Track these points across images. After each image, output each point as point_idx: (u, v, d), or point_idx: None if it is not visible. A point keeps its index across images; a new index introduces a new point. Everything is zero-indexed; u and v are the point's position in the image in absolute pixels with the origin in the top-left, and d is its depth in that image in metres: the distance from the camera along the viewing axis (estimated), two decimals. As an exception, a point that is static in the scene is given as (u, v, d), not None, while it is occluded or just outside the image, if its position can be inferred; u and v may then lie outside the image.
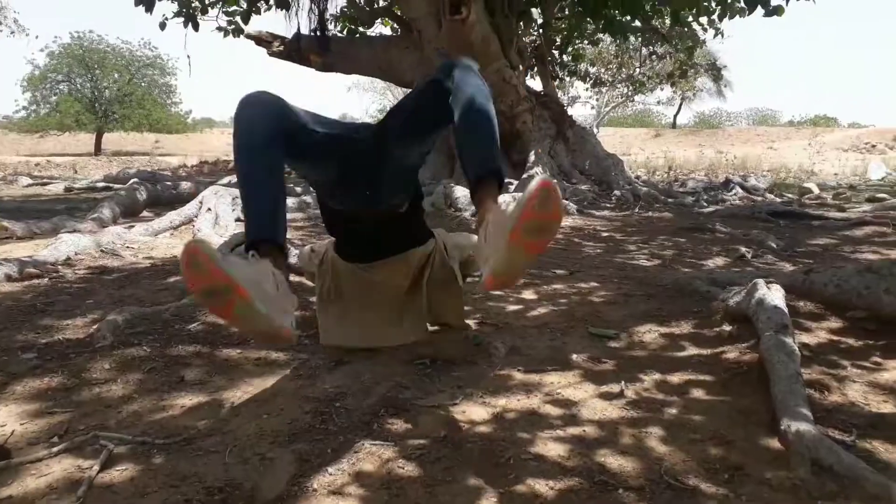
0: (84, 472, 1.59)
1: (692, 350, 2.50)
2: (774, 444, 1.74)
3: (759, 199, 9.17)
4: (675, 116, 45.03)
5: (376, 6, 10.96)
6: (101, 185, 9.94)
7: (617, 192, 8.56)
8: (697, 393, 2.10)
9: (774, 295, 2.54)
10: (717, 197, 9.28)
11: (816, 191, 10.15)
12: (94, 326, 2.67)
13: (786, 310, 2.44)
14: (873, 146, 26.33)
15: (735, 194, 9.49)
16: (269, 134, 1.87)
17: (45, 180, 11.55)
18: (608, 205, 8.04)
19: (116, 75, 33.57)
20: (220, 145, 35.72)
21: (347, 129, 2.16)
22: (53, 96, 32.87)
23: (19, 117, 33.36)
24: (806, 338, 2.51)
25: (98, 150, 31.29)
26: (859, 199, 9.18)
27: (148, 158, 23.67)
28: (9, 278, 3.49)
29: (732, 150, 23.76)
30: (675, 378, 2.23)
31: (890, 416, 1.90)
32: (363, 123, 2.26)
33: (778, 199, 9.01)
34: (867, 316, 2.58)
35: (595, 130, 25.62)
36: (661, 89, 27.03)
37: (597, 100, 30.20)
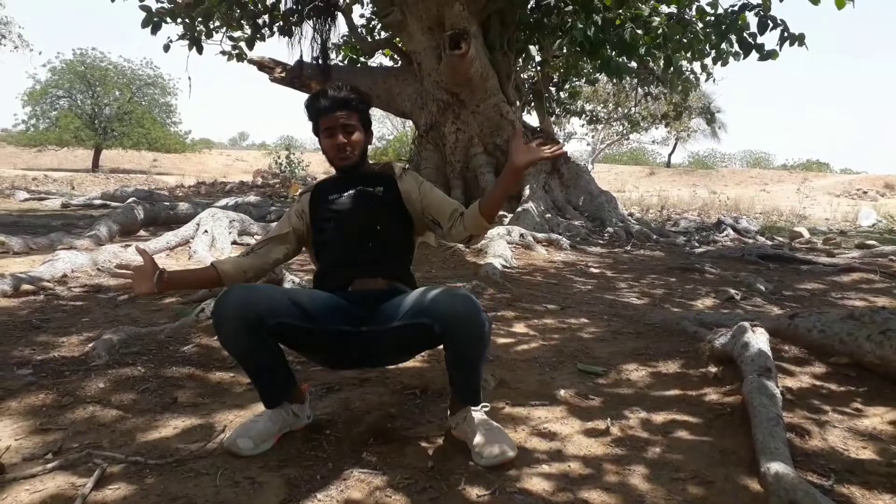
0: (77, 490, 1.62)
1: (677, 390, 2.55)
2: (754, 485, 1.78)
3: (751, 241, 9.27)
4: (670, 156, 45.50)
5: (378, 38, 11.14)
6: (98, 202, 9.98)
7: (610, 229, 8.65)
8: (681, 432, 2.15)
9: (759, 338, 2.60)
10: (709, 237, 9.38)
11: (807, 235, 10.25)
12: (90, 345, 2.71)
13: (770, 353, 2.50)
14: (864, 192, 26.64)
15: (726, 235, 9.59)
16: (247, 334, 1.85)
17: (42, 195, 11.58)
18: (601, 241, 8.12)
19: (117, 93, 33.78)
20: (218, 166, 35.87)
21: (333, 318, 2.02)
22: (53, 111, 33.02)
23: (18, 131, 33.44)
24: (789, 381, 2.56)
25: (95, 166, 31.36)
26: (849, 245, 9.28)
27: (145, 177, 23.74)
28: (4, 294, 3.52)
29: (726, 191, 24.00)
30: (660, 417, 2.27)
31: (868, 461, 1.95)
32: (350, 309, 2.07)
33: (769, 242, 9.11)
34: (849, 362, 2.63)
35: (590, 167, 25.85)
36: (657, 128, 27.42)
37: (592, 136, 30.54)
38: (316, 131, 2.27)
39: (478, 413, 2.00)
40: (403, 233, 2.30)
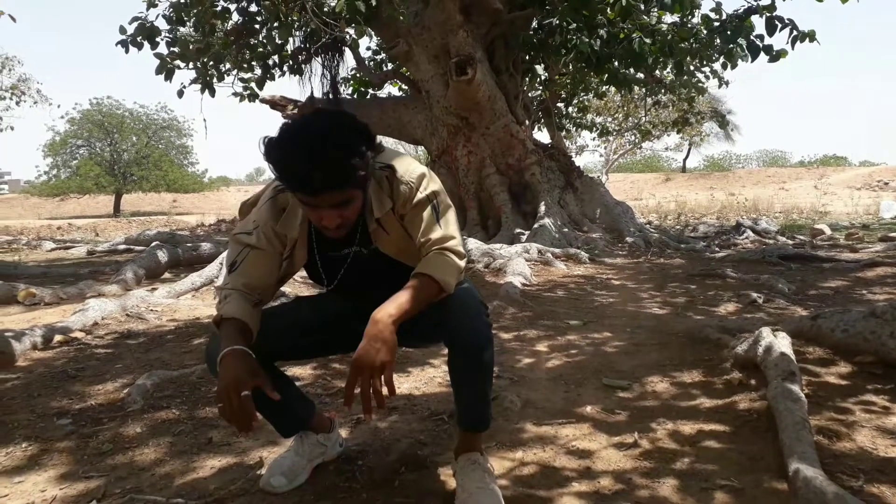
0: (123, 534, 1.68)
1: (703, 399, 2.57)
2: (784, 489, 1.79)
3: (771, 241, 9.23)
4: (685, 160, 45.38)
5: (385, 69, 11.32)
6: (122, 247, 10.14)
7: (629, 240, 8.65)
8: (708, 441, 2.16)
9: (781, 342, 2.61)
10: (729, 241, 9.35)
11: (828, 232, 10.18)
12: (125, 391, 2.78)
13: (793, 357, 2.51)
14: (886, 183, 26.36)
15: (746, 238, 9.55)
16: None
17: (67, 244, 11.79)
18: (620, 252, 8.12)
19: (134, 138, 34.52)
20: (237, 203, 36.17)
21: (328, 320, 1.90)
22: (74, 160, 33.79)
23: (41, 182, 34.21)
24: (815, 383, 2.56)
25: (117, 211, 31.92)
26: (872, 239, 9.21)
27: (166, 218, 24.08)
28: (35, 345, 3.61)
29: (744, 192, 23.87)
30: (687, 427, 2.29)
31: (897, 460, 1.95)
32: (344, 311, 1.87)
33: (790, 242, 9.06)
34: (874, 360, 2.63)
35: (604, 177, 25.82)
36: (668, 135, 27.37)
37: (604, 148, 30.55)
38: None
39: (480, 465, 1.83)
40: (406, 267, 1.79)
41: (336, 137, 1.55)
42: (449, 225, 1.74)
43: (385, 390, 1.54)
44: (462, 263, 1.72)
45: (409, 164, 1.78)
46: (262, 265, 1.79)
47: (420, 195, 1.73)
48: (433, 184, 1.77)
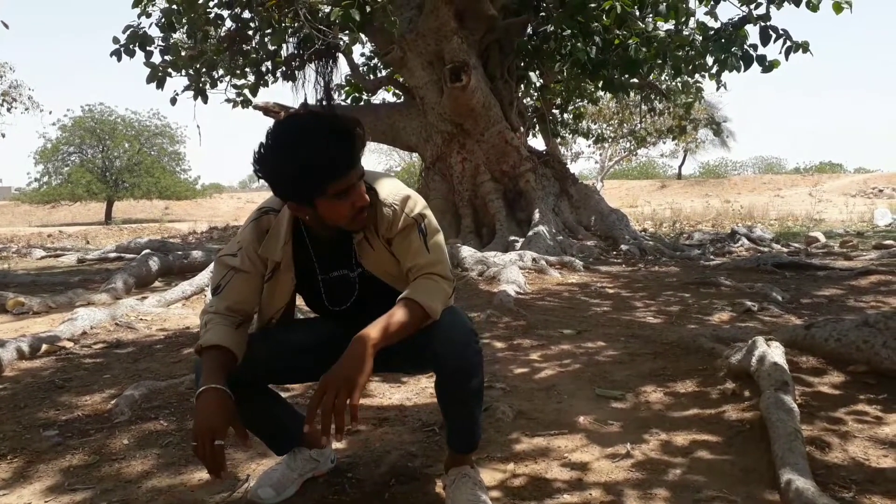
0: (107, 550, 1.65)
1: (696, 409, 2.55)
2: (776, 501, 1.78)
3: (766, 249, 9.22)
4: (681, 167, 45.48)
5: (379, 75, 11.32)
6: (113, 255, 10.07)
7: (623, 247, 8.63)
8: (701, 452, 2.15)
9: (774, 352, 2.60)
10: (724, 249, 9.34)
11: (823, 239, 10.20)
12: (112, 402, 2.75)
13: (786, 366, 2.50)
14: (880, 191, 26.49)
15: (741, 245, 9.54)
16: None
17: (58, 252, 11.71)
18: (614, 260, 8.11)
19: (126, 145, 34.38)
20: (229, 210, 36.24)
21: (321, 344, 1.79)
22: (65, 167, 33.65)
23: (32, 189, 34.07)
24: (808, 393, 2.55)
25: (108, 218, 31.82)
26: (866, 247, 9.23)
27: (158, 225, 23.99)
28: (22, 355, 3.56)
29: (739, 199, 23.94)
30: (680, 438, 2.28)
31: (889, 471, 1.94)
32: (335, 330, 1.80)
33: (784, 250, 9.06)
34: (867, 370, 2.63)
35: (599, 184, 25.88)
36: (664, 143, 27.44)
37: (600, 154, 30.62)
38: (306, 197, 1.60)
39: (471, 478, 1.83)
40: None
41: (330, 115, 1.57)
42: (436, 249, 1.73)
43: (349, 415, 1.48)
44: (450, 289, 1.71)
45: (393, 186, 1.75)
46: (246, 288, 1.77)
47: (405, 219, 1.71)
48: (419, 206, 1.73)
